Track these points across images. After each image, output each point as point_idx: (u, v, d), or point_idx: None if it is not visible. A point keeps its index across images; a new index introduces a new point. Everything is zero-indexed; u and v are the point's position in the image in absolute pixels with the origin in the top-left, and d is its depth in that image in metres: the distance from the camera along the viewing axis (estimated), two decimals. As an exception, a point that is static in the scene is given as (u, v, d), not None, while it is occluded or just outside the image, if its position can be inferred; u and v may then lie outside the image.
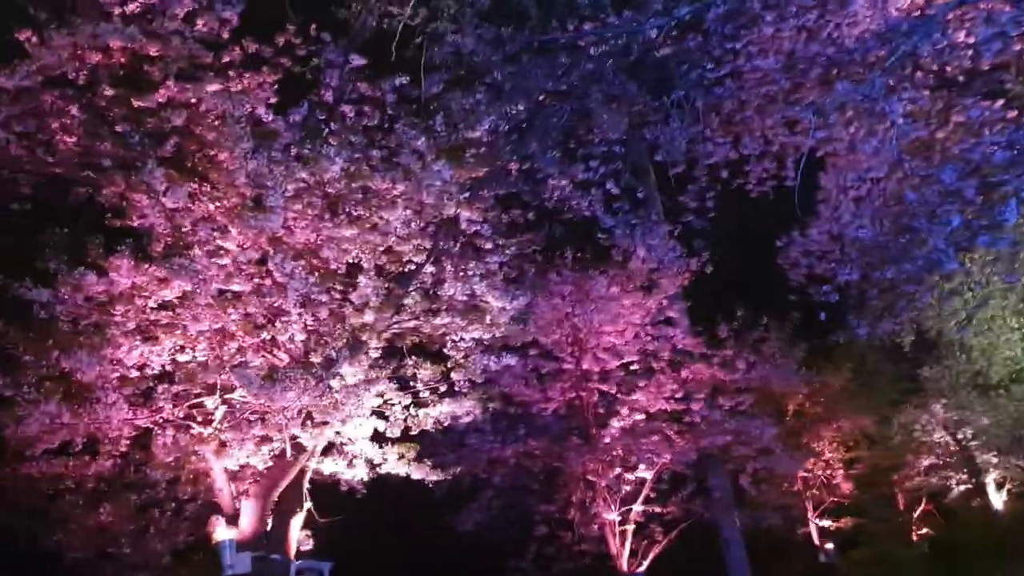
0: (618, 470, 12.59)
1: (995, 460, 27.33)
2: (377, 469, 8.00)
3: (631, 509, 12.70)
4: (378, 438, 8.10)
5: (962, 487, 27.31)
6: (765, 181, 11.20)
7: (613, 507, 12.61)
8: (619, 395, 12.98)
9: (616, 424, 12.63)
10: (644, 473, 12.64)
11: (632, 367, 13.14)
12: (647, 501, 12.92)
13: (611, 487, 12.56)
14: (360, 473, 7.87)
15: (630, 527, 12.71)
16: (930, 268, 7.99)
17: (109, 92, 7.47)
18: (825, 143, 10.80)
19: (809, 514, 17.17)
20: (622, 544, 12.69)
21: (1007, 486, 28.21)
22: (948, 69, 9.82)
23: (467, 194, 8.14)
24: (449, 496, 13.35)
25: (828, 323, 10.18)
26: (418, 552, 14.02)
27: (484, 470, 13.11)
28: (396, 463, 7.89)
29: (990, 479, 28.04)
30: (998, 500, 27.88)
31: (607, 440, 12.58)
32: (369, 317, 7.28)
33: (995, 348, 18.72)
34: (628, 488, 12.72)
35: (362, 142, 7.76)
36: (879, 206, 9.23)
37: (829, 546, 17.33)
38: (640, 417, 12.75)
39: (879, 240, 8.92)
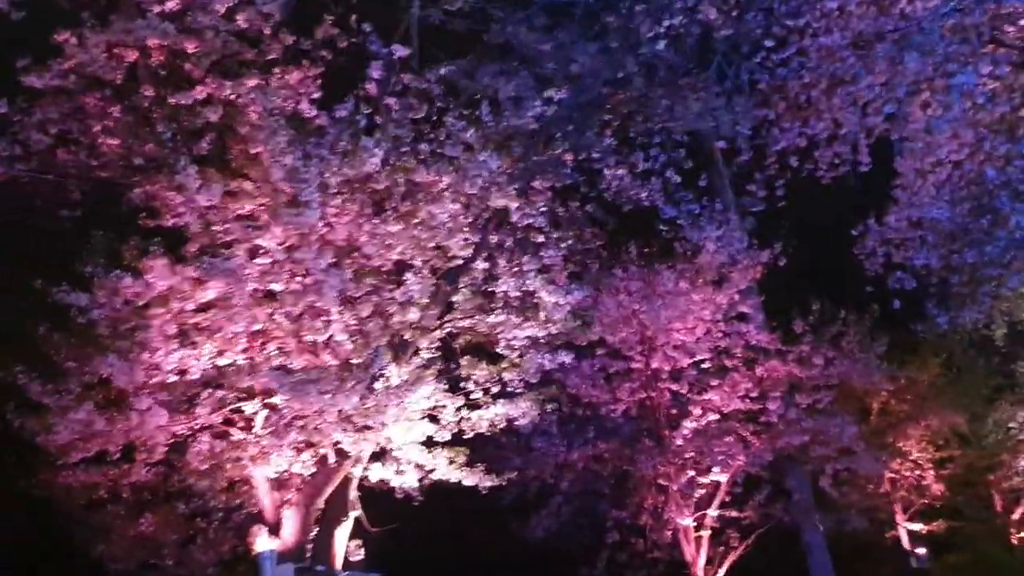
0: (691, 473, 12.03)
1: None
2: (429, 475, 7.67)
3: (706, 514, 12.14)
4: (432, 443, 7.78)
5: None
6: (837, 167, 10.58)
7: (687, 512, 12.06)
8: (691, 395, 12.42)
9: (688, 425, 12.10)
10: (719, 476, 12.06)
11: (704, 365, 12.56)
12: (723, 505, 12.34)
13: (684, 491, 12.01)
14: (410, 480, 7.56)
15: (705, 533, 12.14)
16: (1014, 249, 7.30)
17: (149, 92, 7.37)
18: (899, 125, 10.16)
19: (897, 517, 16.22)
20: (697, 550, 12.13)
21: (1117, 488, 26.51)
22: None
23: (517, 185, 7.77)
24: (516, 503, 12.99)
25: (906, 313, 9.50)
26: (483, 561, 13.67)
27: (552, 475, 12.68)
28: (447, 468, 7.56)
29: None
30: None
31: (679, 442, 12.06)
32: (414, 315, 6.98)
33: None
34: (702, 492, 12.16)
35: (407, 135, 7.48)
36: (959, 188, 8.55)
37: (921, 550, 16.36)
38: (714, 417, 12.20)
39: (959, 223, 8.25)
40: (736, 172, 12.61)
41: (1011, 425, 24.56)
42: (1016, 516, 21.15)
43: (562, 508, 13.05)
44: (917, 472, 16.15)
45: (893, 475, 15.86)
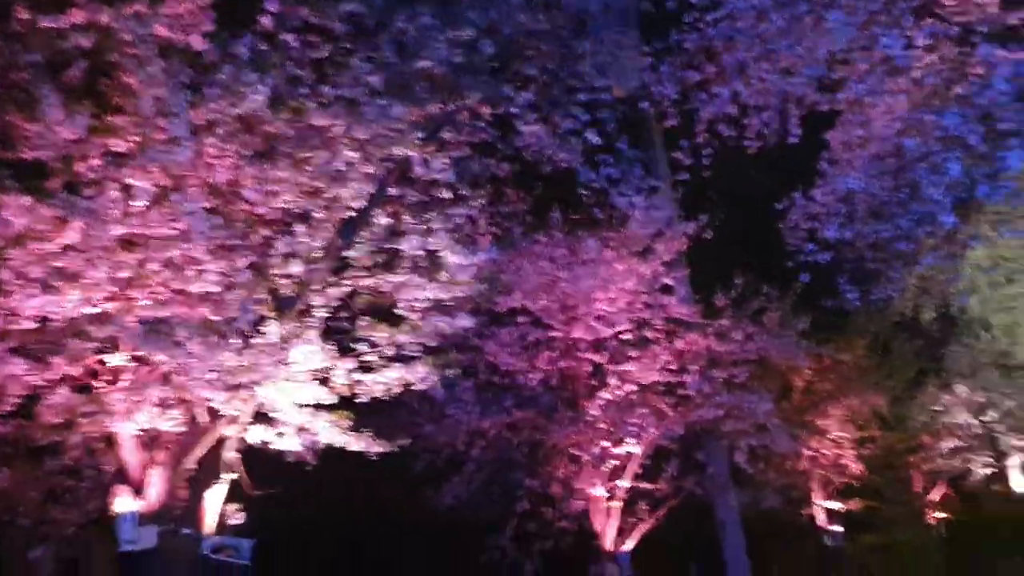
0: (605, 444, 11.83)
1: (1019, 443, 26.32)
2: (315, 439, 7.25)
3: (617, 485, 11.96)
4: (323, 407, 7.35)
5: (984, 470, 26.33)
6: (765, 137, 10.32)
7: (599, 482, 11.87)
8: (610, 366, 12.19)
9: (605, 395, 11.89)
10: (633, 448, 11.88)
11: (625, 336, 12.31)
12: (636, 477, 12.18)
13: (596, 461, 11.80)
14: (291, 443, 7.14)
15: (616, 504, 11.97)
16: (927, 224, 7.09)
17: (24, 16, 6.75)
18: (830, 96, 9.90)
19: (815, 495, 16.26)
20: (607, 521, 11.96)
21: (1033, 471, 27.14)
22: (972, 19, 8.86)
23: (422, 135, 7.32)
24: (428, 470, 12.68)
25: (820, 288, 9.30)
26: (391, 529, 13.36)
27: (464, 442, 12.37)
28: (330, 432, 7.15)
29: (1013, 462, 27.01)
30: (1021, 484, 26.85)
31: (594, 412, 11.83)
32: (297, 268, 6.53)
33: (1019, 327, 17.72)
34: (615, 463, 11.98)
35: (307, 75, 6.96)
36: (884, 160, 8.32)
37: (837, 528, 16.46)
38: (632, 388, 12.00)
39: (882, 198, 8.03)
40: (667, 139, 12.33)
41: (935, 408, 24.99)
42: (934, 497, 21.54)
43: (474, 476, 12.75)
44: (836, 451, 16.18)
45: (812, 453, 15.86)
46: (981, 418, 25.75)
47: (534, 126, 8.76)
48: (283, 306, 6.59)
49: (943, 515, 20.70)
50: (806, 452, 15.75)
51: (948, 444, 24.99)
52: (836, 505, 16.31)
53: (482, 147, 9.29)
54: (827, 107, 9.95)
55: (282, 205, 6.67)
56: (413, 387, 7.73)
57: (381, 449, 7.59)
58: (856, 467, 16.15)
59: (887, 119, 9.19)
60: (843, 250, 8.58)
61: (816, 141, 9.94)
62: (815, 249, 8.40)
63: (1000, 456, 26.70)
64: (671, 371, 12.09)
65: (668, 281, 12.28)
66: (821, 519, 16.39)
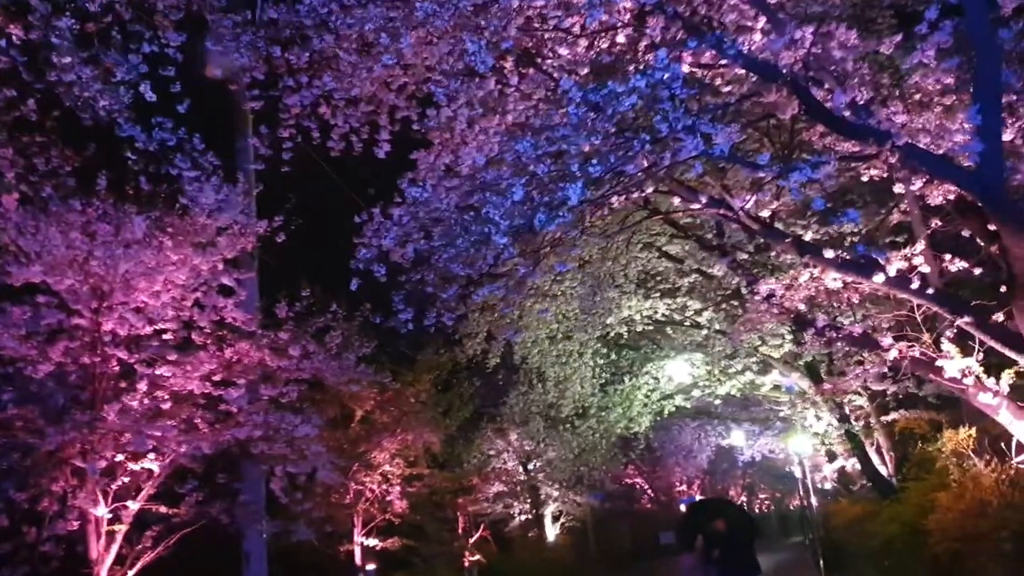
0: (119, 457, 10.14)
1: (556, 493, 28.51)
2: None
3: (127, 506, 10.29)
4: None
5: (523, 517, 28.12)
6: (352, 143, 9.67)
7: (103, 501, 10.11)
8: (143, 368, 10.55)
9: (128, 401, 10.21)
10: (151, 464, 10.32)
11: (166, 336, 10.78)
12: (152, 499, 10.60)
13: (103, 477, 10.05)
14: None
15: (121, 528, 10.28)
16: (482, 243, 6.79)
17: None
18: (423, 115, 9.54)
19: (356, 531, 15.79)
20: (108, 547, 10.20)
21: (562, 519, 29.51)
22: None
23: None
24: None
25: (376, 307, 8.75)
26: None
27: (-65, 439, 9.90)
28: None
29: (548, 511, 29.17)
30: (552, 532, 29.02)
31: (111, 418, 10.09)
32: None
33: (569, 382, 18.98)
34: (128, 480, 10.32)
35: None
36: (462, 187, 8.01)
37: (371, 567, 16.08)
38: (164, 396, 10.48)
39: (449, 218, 7.67)
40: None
41: (491, 452, 26.20)
42: (473, 540, 22.26)
43: (-55, 483, 10.27)
44: (385, 487, 15.90)
45: (359, 487, 15.40)
46: (528, 466, 27.60)
47: (66, 58, 7.14)
48: None
49: (477, 558, 21.40)
50: (353, 486, 15.25)
51: (495, 488, 26.37)
52: (374, 542, 15.92)
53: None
54: (420, 129, 9.61)
55: None
56: None
57: None
58: (401, 504, 15.96)
59: (475, 143, 8.99)
60: (408, 271, 8.02)
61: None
62: (368, 256, 7.75)
63: (539, 504, 28.76)
64: (215, 382, 10.78)
65: (228, 281, 11.00)
66: (359, 556, 15.89)
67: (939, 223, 9.29)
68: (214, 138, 11.72)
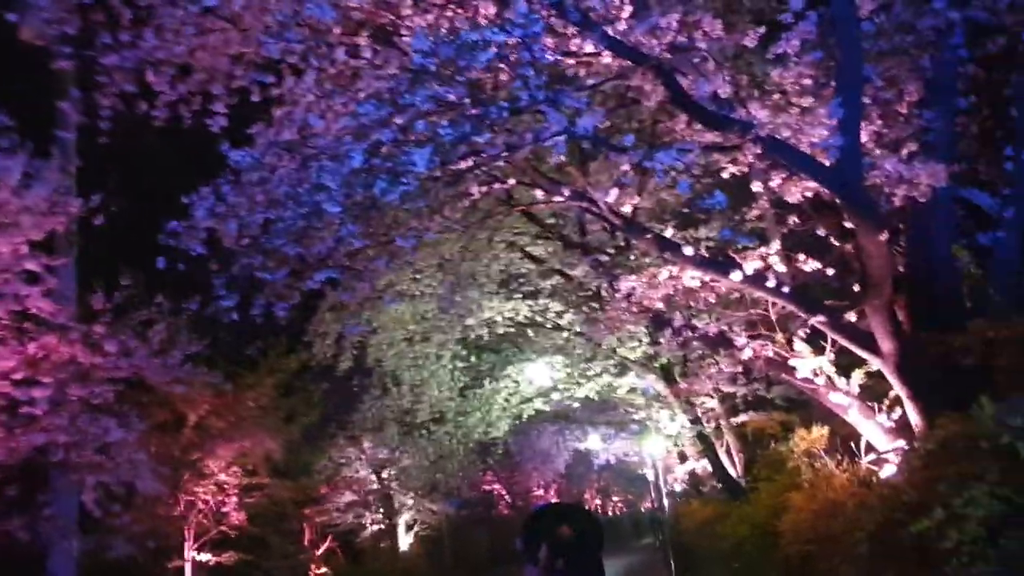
0: None
1: (410, 502, 27.68)
2: None
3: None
4: None
5: (376, 527, 27.16)
6: (179, 111, 8.67)
7: None
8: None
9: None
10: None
11: (-40, 328, 9.46)
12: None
13: None
14: None
15: None
16: (313, 217, 6.08)
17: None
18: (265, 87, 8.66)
19: (188, 545, 14.56)
20: None
21: (416, 528, 28.70)
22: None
23: None
24: None
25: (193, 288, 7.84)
26: None
27: None
28: None
29: (402, 520, 28.29)
30: (406, 542, 28.15)
31: None
32: None
33: (426, 385, 18.31)
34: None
35: None
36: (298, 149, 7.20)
37: (204, 583, 14.90)
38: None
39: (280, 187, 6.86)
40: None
41: (341, 460, 25.15)
42: (320, 551, 21.21)
43: None
44: (222, 497, 14.74)
45: (192, 498, 14.21)
46: (381, 474, 26.65)
47: None
48: None
49: (324, 570, 20.37)
50: (184, 496, 14.05)
51: (345, 498, 25.33)
52: (207, 557, 14.73)
53: None
54: (261, 101, 8.73)
55: None
56: None
57: None
58: (238, 516, 14.84)
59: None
60: (236, 256, 7.16)
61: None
62: (179, 228, 6.87)
63: (393, 514, 27.83)
64: (15, 381, 9.52)
65: (33, 267, 9.75)
66: (189, 572, 14.66)
67: (796, 221, 9.17)
68: (32, 107, 10.53)
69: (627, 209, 9.97)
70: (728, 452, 18.22)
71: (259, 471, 15.28)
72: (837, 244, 9.35)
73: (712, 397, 18.19)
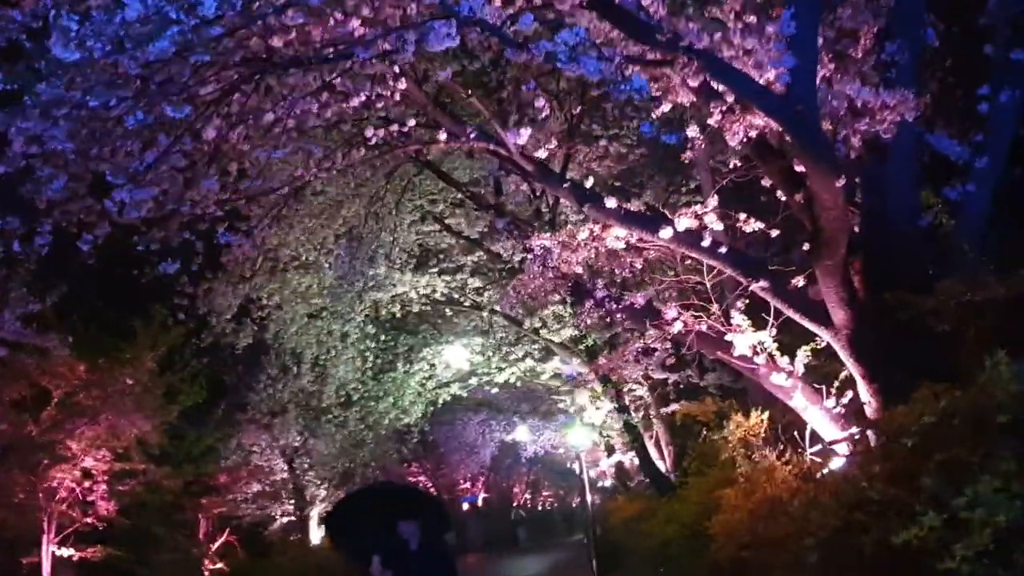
0: None
1: (323, 493, 26.00)
2: None
3: None
4: None
5: (286, 519, 25.43)
6: None
7: None
8: None
9: None
10: None
11: None
12: None
13: None
14: None
15: None
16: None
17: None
18: None
19: (45, 537, 12.64)
20: None
21: (331, 521, 26.94)
22: None
23: None
24: None
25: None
26: None
27: None
28: None
29: (315, 513, 26.58)
30: (318, 535, 26.45)
31: None
32: None
33: (331, 364, 16.78)
34: None
35: None
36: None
37: (59, 582, 13.07)
38: None
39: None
40: None
41: (253, 448, 23.38)
42: (216, 545, 19.49)
43: None
44: (91, 485, 12.88)
45: (52, 485, 12.37)
46: (292, 463, 24.91)
47: None
48: None
49: (220, 565, 18.64)
50: (42, 484, 12.24)
51: (254, 488, 23.58)
52: (70, 552, 12.91)
53: None
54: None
55: None
56: None
57: None
58: (107, 506, 13.01)
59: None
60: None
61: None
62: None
63: (304, 504, 26.10)
64: None
65: None
66: (47, 570, 12.83)
67: (736, 165, 7.84)
68: None
69: (542, 155, 8.59)
70: (657, 444, 17.06)
71: (132, 455, 13.39)
72: (783, 199, 8.05)
73: (641, 385, 16.99)
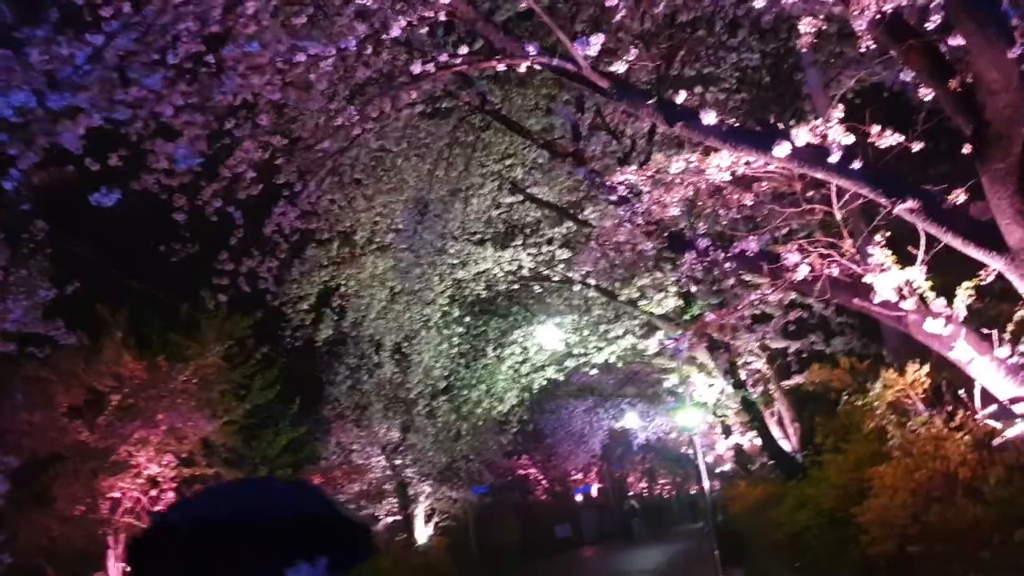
0: None
1: (428, 490, 24.97)
2: None
3: None
4: None
5: (390, 519, 24.55)
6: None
7: None
8: None
9: None
10: None
11: None
12: None
13: None
14: None
15: None
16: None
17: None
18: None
19: (112, 553, 11.81)
20: None
21: (435, 519, 25.97)
22: None
23: None
24: None
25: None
26: None
27: None
28: None
29: (420, 511, 25.59)
30: (425, 534, 25.49)
31: None
32: None
33: (415, 352, 15.62)
34: None
35: None
36: None
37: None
38: None
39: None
40: None
41: (353, 447, 22.57)
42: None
43: None
44: (156, 494, 11.97)
45: (118, 495, 11.51)
46: (394, 460, 23.96)
47: None
48: None
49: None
50: (111, 494, 11.40)
51: (357, 487, 22.78)
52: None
53: None
54: None
55: None
56: None
57: None
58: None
59: None
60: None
61: None
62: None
63: (408, 503, 25.13)
64: None
65: None
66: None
67: (867, 49, 6.12)
68: None
69: (621, 68, 7.07)
70: (780, 422, 15.28)
71: (198, 459, 12.39)
72: (926, 99, 6.30)
73: (759, 356, 15.24)
